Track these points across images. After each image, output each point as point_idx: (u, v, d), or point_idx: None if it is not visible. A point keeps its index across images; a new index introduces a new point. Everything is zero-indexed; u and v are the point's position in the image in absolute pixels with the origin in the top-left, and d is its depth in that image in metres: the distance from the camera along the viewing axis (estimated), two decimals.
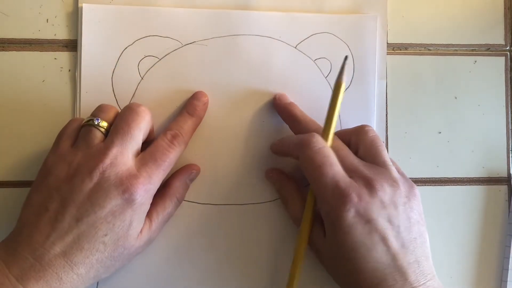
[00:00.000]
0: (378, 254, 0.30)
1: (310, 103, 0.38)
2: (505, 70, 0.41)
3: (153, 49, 0.38)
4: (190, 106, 0.37)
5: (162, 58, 0.38)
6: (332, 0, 0.39)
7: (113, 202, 0.31)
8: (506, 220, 0.40)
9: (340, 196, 0.31)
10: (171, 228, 0.37)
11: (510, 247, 0.39)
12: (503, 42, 0.41)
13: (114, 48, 0.38)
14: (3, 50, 0.38)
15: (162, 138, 0.34)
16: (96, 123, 0.33)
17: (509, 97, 0.41)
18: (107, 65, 0.38)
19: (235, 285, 0.38)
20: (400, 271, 0.30)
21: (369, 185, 0.31)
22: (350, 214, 0.30)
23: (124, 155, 0.32)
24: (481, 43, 0.41)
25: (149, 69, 0.38)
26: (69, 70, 0.38)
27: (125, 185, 0.31)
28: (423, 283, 0.30)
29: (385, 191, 0.31)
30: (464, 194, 0.40)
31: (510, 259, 0.39)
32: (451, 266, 0.36)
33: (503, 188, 0.40)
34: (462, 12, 0.41)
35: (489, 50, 0.41)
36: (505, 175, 0.40)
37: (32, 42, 0.38)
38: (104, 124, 0.33)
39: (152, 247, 0.37)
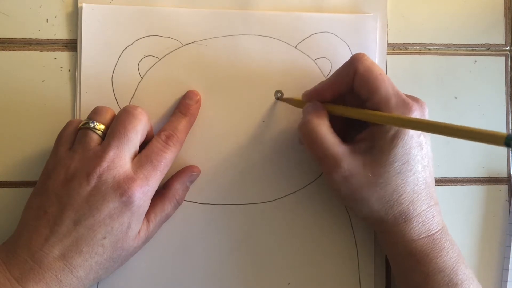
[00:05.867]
0: (420, 169, 0.32)
1: None
2: (505, 70, 0.41)
3: (153, 49, 0.38)
4: (182, 105, 0.37)
5: (162, 58, 0.38)
6: (332, 0, 0.39)
7: (111, 205, 0.31)
8: (506, 220, 0.40)
9: (404, 104, 0.32)
10: (172, 228, 0.37)
11: (510, 247, 0.39)
12: (503, 42, 0.41)
13: (114, 48, 0.38)
14: (3, 50, 0.38)
15: (157, 140, 0.34)
16: (92, 126, 0.33)
17: (509, 97, 0.41)
18: (107, 65, 0.38)
19: (235, 285, 0.38)
20: (430, 188, 0.33)
21: (418, 103, 0.33)
22: (417, 118, 0.31)
23: (121, 158, 0.32)
24: (481, 43, 0.41)
25: (149, 69, 0.38)
26: (69, 70, 0.38)
27: (122, 188, 0.31)
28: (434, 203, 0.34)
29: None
30: (464, 194, 0.40)
31: (510, 259, 0.39)
32: None
33: (503, 188, 0.40)
34: (462, 12, 0.41)
35: (489, 50, 0.41)
36: (505, 175, 0.40)
37: (32, 42, 0.38)
38: (100, 126, 0.33)
39: (152, 247, 0.37)
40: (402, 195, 0.32)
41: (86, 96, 0.37)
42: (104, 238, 0.31)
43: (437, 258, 0.32)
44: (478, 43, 0.41)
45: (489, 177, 0.40)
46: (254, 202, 0.38)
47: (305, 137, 0.33)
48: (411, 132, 0.32)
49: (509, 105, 0.41)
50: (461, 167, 0.40)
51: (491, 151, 0.40)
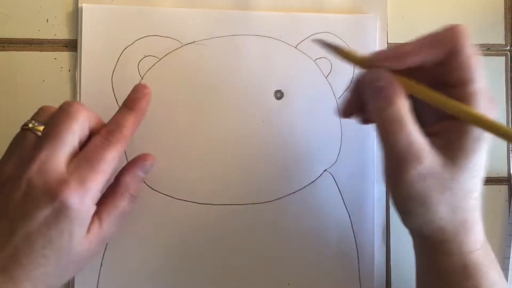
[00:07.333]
0: (482, 173, 0.29)
1: (310, 103, 0.38)
2: (505, 70, 0.41)
3: (153, 49, 0.38)
4: (128, 99, 0.33)
5: (162, 58, 0.38)
6: (332, 0, 0.39)
7: (44, 212, 0.28)
8: (506, 220, 0.40)
9: (491, 100, 0.27)
10: (171, 228, 0.37)
11: (510, 247, 0.39)
12: (503, 42, 0.41)
13: (114, 48, 0.38)
14: (3, 50, 0.38)
15: (96, 137, 0.31)
16: (31, 126, 0.30)
17: (509, 97, 0.41)
18: (107, 65, 0.38)
19: (235, 285, 0.38)
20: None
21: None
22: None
23: (53, 160, 0.29)
24: (481, 43, 0.41)
25: (149, 69, 0.38)
26: (69, 70, 0.38)
27: (53, 193, 0.28)
28: None
29: None
30: None
31: (510, 259, 0.39)
32: None
33: (503, 188, 0.40)
34: (462, 12, 0.41)
35: (489, 50, 0.41)
36: (505, 175, 0.40)
37: (32, 42, 0.38)
38: (41, 127, 0.30)
39: (152, 247, 0.37)
40: (469, 201, 0.28)
41: (86, 96, 0.37)
42: (44, 248, 0.28)
43: (489, 270, 0.29)
44: (478, 43, 0.41)
45: (489, 177, 0.40)
46: (254, 202, 0.38)
47: (387, 123, 0.27)
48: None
49: (509, 105, 0.41)
50: None
51: (491, 151, 0.40)
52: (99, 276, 0.37)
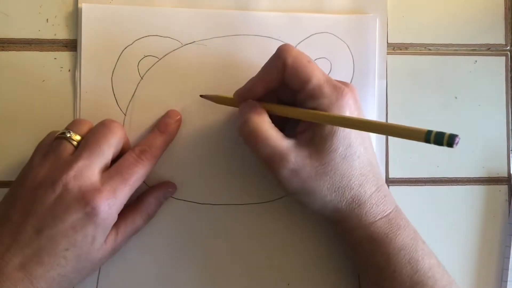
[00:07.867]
0: (362, 151, 0.33)
1: None
2: (505, 70, 0.41)
3: (153, 49, 0.38)
4: (161, 123, 0.36)
5: (162, 58, 0.38)
6: (332, 0, 0.39)
7: (74, 216, 0.30)
8: (506, 220, 0.40)
9: (336, 89, 0.32)
10: (171, 228, 0.37)
11: (510, 247, 0.39)
12: (503, 42, 0.41)
13: (114, 48, 0.38)
14: (3, 50, 0.38)
15: (130, 153, 0.33)
16: (68, 136, 0.32)
17: (509, 97, 0.41)
18: (107, 65, 0.38)
19: (235, 285, 0.38)
20: (375, 169, 0.34)
21: (348, 87, 0.33)
22: (350, 101, 0.32)
23: (90, 169, 0.31)
24: (481, 43, 0.41)
25: (149, 69, 0.38)
26: (69, 70, 0.38)
27: (86, 199, 0.30)
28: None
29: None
30: (464, 194, 0.40)
31: (510, 259, 0.39)
32: (451, 266, 0.36)
33: (503, 188, 0.40)
34: (462, 12, 0.41)
35: (489, 50, 0.41)
36: (505, 175, 0.40)
37: (32, 42, 0.38)
38: (77, 137, 0.33)
39: (152, 248, 0.37)
40: (351, 179, 0.32)
41: (86, 96, 0.37)
42: (67, 250, 0.30)
43: (396, 237, 0.32)
44: (478, 43, 0.41)
45: (489, 177, 0.40)
46: (254, 202, 0.38)
47: (247, 137, 0.33)
48: (349, 109, 0.32)
49: (509, 105, 0.41)
50: (461, 167, 0.40)
51: (491, 151, 0.40)
52: (98, 276, 0.37)
